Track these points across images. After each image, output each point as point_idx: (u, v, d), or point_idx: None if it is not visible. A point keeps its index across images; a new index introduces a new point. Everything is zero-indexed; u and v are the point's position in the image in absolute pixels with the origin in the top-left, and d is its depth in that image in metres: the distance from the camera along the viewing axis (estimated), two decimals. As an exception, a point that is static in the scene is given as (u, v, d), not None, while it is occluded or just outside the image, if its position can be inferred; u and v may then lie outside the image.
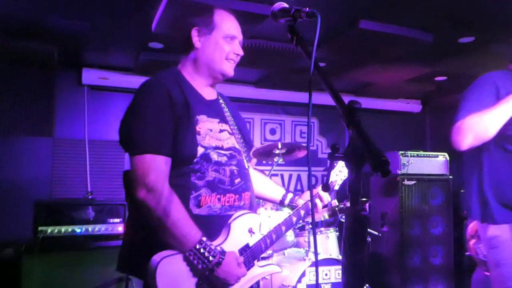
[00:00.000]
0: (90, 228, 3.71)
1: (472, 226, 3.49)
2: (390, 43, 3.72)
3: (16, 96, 4.38)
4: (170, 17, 3.15)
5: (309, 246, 3.50)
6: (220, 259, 1.59)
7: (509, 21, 3.43)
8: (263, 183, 2.12)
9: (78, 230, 3.67)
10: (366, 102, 5.81)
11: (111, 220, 3.79)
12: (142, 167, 1.56)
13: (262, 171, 2.21)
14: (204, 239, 1.58)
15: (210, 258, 1.56)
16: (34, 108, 4.45)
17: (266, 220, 1.90)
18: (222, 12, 1.83)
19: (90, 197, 4.07)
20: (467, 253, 3.58)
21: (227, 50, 1.78)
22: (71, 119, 4.70)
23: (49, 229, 3.58)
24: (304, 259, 3.36)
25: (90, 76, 4.62)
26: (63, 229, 3.63)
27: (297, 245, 3.70)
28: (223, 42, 1.78)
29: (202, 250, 1.55)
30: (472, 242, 3.46)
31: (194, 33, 1.78)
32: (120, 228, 3.79)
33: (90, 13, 3.25)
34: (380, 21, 3.44)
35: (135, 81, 4.72)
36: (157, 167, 1.57)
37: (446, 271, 4.58)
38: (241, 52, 1.83)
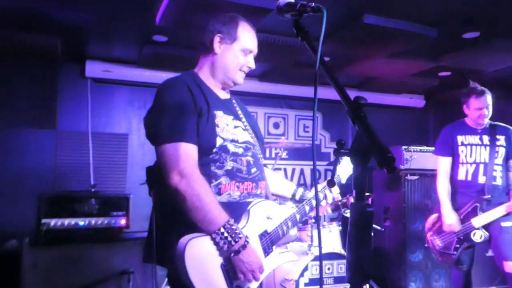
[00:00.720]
0: (93, 221, 3.73)
1: (430, 220, 3.58)
2: (394, 37, 3.70)
3: (19, 88, 4.38)
4: (175, 11, 3.14)
5: (311, 241, 3.51)
6: (246, 242, 1.66)
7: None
8: (273, 179, 2.19)
9: (81, 223, 3.69)
10: (370, 97, 5.75)
11: (115, 213, 3.80)
12: (174, 154, 1.67)
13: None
14: (232, 221, 1.67)
15: (237, 239, 1.64)
16: (38, 101, 4.45)
17: (281, 208, 1.98)
18: (246, 26, 1.94)
19: (93, 190, 4.09)
20: (425, 245, 3.74)
21: (242, 62, 1.91)
22: (75, 111, 4.70)
23: (52, 222, 3.60)
24: (307, 253, 3.37)
25: (93, 69, 4.61)
26: (66, 221, 3.65)
27: (299, 239, 3.71)
28: (240, 54, 1.90)
29: (229, 231, 1.64)
30: (429, 234, 3.57)
31: (216, 39, 1.89)
32: (123, 221, 3.81)
33: (94, 5, 3.25)
34: (384, 16, 3.42)
35: (139, 74, 4.72)
36: (188, 154, 1.68)
37: (448, 266, 4.58)
38: (253, 66, 1.96)
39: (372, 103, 5.82)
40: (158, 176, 1.73)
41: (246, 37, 1.91)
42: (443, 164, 3.54)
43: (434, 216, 3.58)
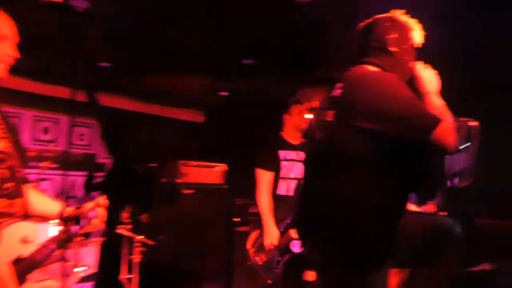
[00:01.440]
0: None
1: (252, 237, 3.71)
2: (184, 54, 3.84)
3: None
4: None
5: (76, 260, 3.23)
6: None
7: (286, 48, 3.87)
8: (35, 197, 1.90)
9: None
10: (153, 109, 5.86)
11: None
12: None
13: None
14: None
15: None
16: None
17: (42, 228, 1.71)
18: None
19: None
20: (248, 263, 3.71)
21: None
22: None
23: None
24: (71, 274, 3.08)
25: None
26: None
27: (63, 259, 3.38)
28: None
29: None
30: (252, 251, 3.66)
31: None
32: None
33: None
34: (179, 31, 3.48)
35: None
36: None
37: (221, 276, 4.78)
38: (15, 54, 1.71)
39: (156, 115, 5.89)
40: None
41: None
42: (264, 179, 3.61)
43: (255, 233, 3.63)
